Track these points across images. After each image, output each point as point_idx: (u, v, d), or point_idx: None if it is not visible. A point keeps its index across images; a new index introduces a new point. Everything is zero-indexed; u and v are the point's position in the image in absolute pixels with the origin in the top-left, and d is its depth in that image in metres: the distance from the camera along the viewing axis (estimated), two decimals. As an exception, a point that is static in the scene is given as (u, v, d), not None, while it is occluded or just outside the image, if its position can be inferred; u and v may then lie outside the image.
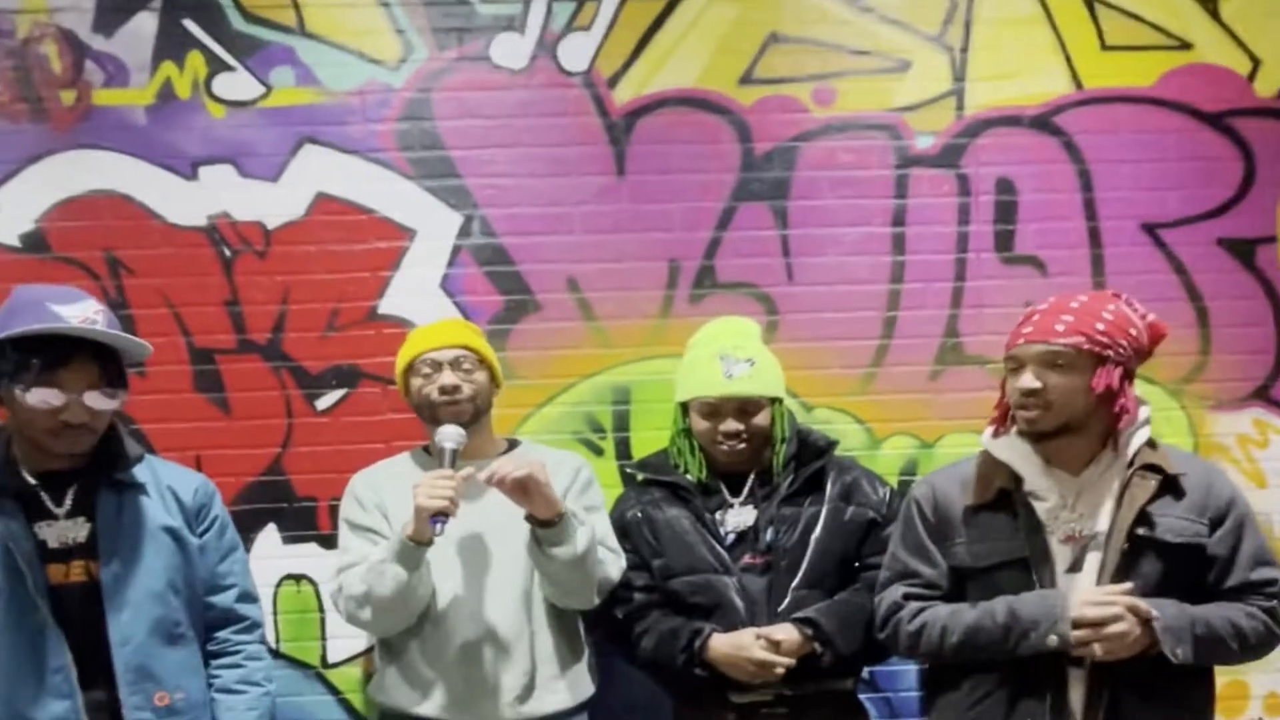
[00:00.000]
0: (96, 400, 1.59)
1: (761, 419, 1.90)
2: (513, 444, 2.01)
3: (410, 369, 1.91)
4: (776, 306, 2.31)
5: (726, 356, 1.89)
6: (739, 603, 1.86)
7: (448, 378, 1.86)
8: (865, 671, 2.16)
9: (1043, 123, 2.33)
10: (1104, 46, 2.33)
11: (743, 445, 1.89)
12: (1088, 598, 1.52)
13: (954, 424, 2.34)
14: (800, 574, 1.86)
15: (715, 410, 1.88)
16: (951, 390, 2.34)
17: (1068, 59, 2.32)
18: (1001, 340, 2.25)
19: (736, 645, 1.80)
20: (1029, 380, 1.56)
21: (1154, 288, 2.31)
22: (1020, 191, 2.33)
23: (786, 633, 1.80)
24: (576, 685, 1.90)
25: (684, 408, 1.95)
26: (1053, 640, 1.51)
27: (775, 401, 1.93)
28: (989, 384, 2.34)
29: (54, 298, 1.60)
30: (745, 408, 1.88)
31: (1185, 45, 2.33)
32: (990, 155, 2.33)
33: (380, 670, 1.93)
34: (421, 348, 1.90)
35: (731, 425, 1.87)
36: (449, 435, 1.80)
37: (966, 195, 2.33)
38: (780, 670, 1.78)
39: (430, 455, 1.95)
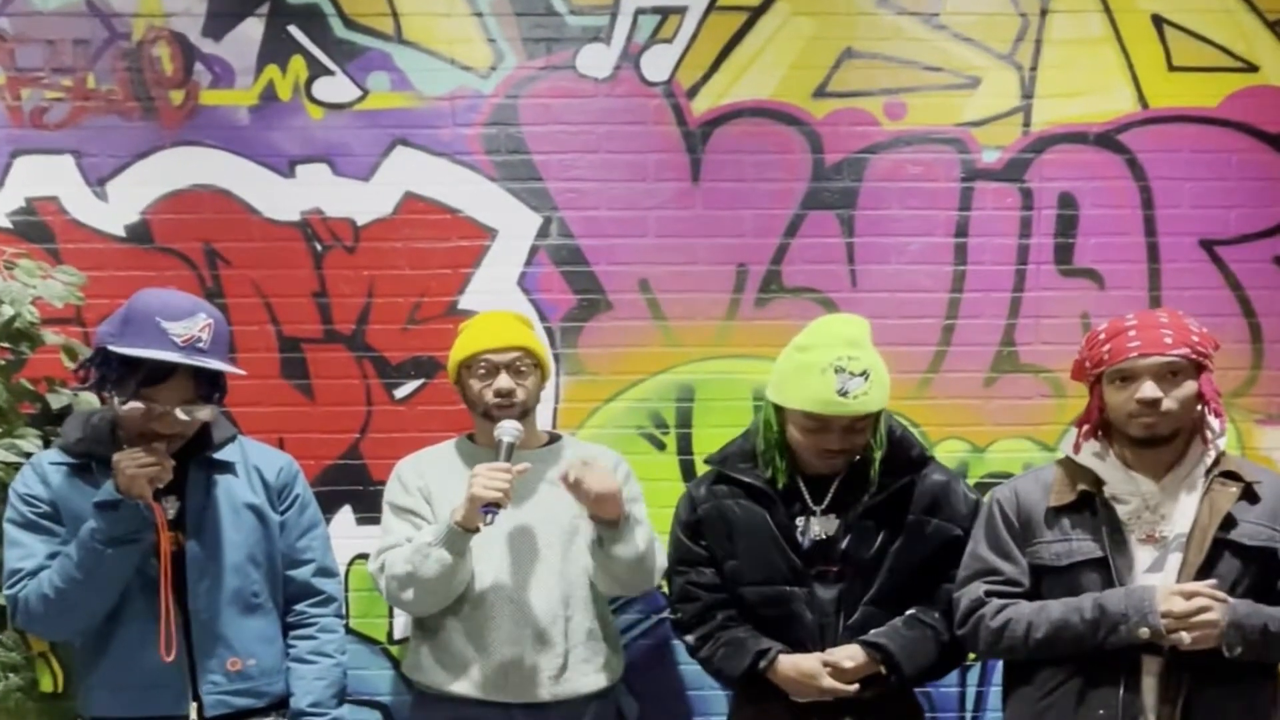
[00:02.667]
0: (187, 413, 1.68)
1: (865, 435, 1.80)
2: (554, 438, 2.05)
3: (466, 365, 1.93)
4: (838, 311, 2.34)
5: (842, 370, 1.74)
6: (809, 616, 1.81)
7: (504, 382, 1.89)
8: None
9: (1107, 140, 2.37)
10: (1171, 67, 2.36)
11: (842, 460, 1.81)
12: (1174, 590, 1.58)
13: (1006, 429, 2.40)
14: (874, 588, 1.81)
15: (824, 426, 1.77)
16: (1004, 397, 2.40)
17: (1134, 79, 2.37)
18: (1056, 350, 2.39)
19: (803, 672, 1.77)
20: (1151, 390, 1.63)
21: (1209, 303, 2.36)
22: (1081, 206, 2.38)
23: (853, 657, 1.77)
24: (608, 667, 1.96)
25: (778, 408, 1.82)
26: (1144, 632, 1.56)
27: (882, 415, 1.83)
28: (1040, 391, 2.41)
29: (166, 312, 1.65)
30: (854, 425, 1.77)
31: (1251, 68, 2.37)
32: (1054, 170, 2.37)
33: (415, 649, 1.96)
34: (480, 346, 1.91)
35: (835, 442, 1.78)
36: (508, 430, 1.83)
37: (1029, 209, 2.38)
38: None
39: (474, 444, 2.00)
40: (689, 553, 1.91)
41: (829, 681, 1.76)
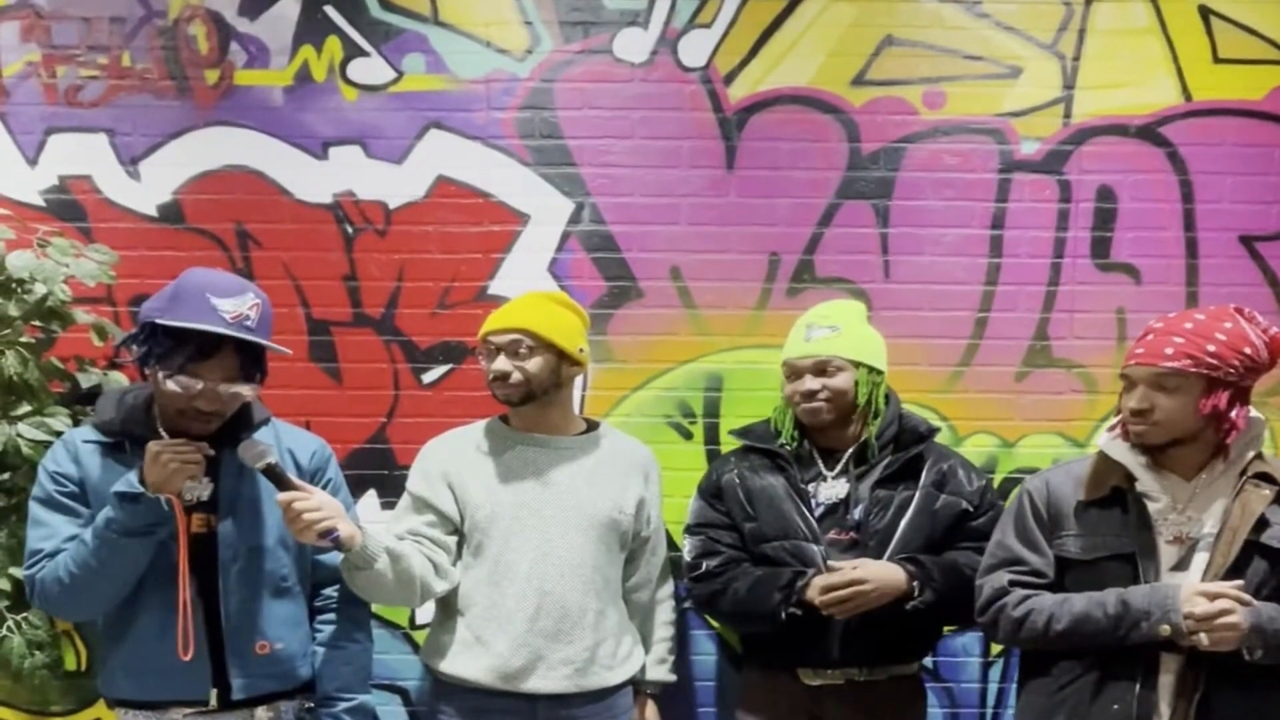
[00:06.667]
0: (230, 390, 1.66)
1: (840, 381, 1.92)
2: (591, 425, 2.02)
3: (481, 347, 1.95)
4: (871, 303, 2.32)
5: (812, 325, 1.97)
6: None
7: (498, 364, 1.88)
8: (929, 661, 2.23)
9: (1148, 133, 2.34)
10: (1216, 59, 2.33)
11: (820, 404, 1.91)
12: (1198, 590, 1.57)
13: (1036, 425, 2.38)
14: (886, 556, 1.88)
15: (796, 371, 1.95)
16: (1036, 392, 2.38)
17: (1179, 70, 2.33)
18: (1089, 345, 2.37)
19: (831, 583, 1.80)
20: (1136, 401, 1.62)
21: (1247, 300, 2.22)
22: (1120, 199, 2.35)
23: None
24: (635, 659, 1.96)
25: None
26: (1164, 629, 1.56)
27: (863, 368, 1.94)
28: (1072, 387, 2.39)
29: (216, 289, 1.65)
30: (822, 368, 1.93)
31: (1298, 60, 2.34)
32: (1093, 163, 2.34)
33: (436, 636, 1.93)
34: (486, 328, 1.92)
35: (808, 384, 1.92)
36: (254, 455, 1.65)
37: (1067, 201, 2.35)
38: (874, 593, 1.80)
39: (508, 425, 1.96)
40: (709, 515, 2.01)
41: (855, 574, 1.80)
